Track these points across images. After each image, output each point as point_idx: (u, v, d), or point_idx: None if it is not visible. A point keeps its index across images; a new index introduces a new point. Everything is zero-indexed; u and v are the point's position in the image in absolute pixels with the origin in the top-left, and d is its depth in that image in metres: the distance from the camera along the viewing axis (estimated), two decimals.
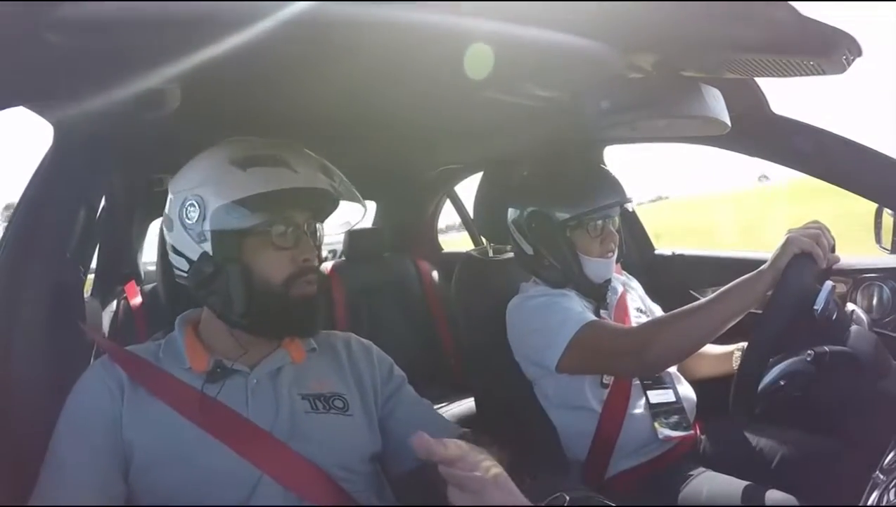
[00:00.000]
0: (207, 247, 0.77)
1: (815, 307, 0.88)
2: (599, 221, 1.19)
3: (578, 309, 1.14)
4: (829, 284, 0.90)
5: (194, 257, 0.78)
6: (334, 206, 0.88)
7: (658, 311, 1.34)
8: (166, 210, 0.82)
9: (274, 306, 0.78)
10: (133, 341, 0.84)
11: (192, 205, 0.77)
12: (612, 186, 1.21)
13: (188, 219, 0.77)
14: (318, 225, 0.86)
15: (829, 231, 0.94)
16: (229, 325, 0.81)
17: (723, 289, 0.97)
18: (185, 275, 0.81)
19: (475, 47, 0.65)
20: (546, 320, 1.12)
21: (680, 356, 1.11)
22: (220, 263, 0.77)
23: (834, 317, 0.90)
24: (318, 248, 0.86)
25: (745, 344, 1.08)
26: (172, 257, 0.82)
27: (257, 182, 0.76)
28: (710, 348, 1.23)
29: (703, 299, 1.01)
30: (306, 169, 0.81)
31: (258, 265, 0.78)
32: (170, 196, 0.82)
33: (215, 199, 0.76)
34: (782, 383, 0.89)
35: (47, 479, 0.70)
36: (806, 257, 0.91)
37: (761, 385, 0.90)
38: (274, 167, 0.78)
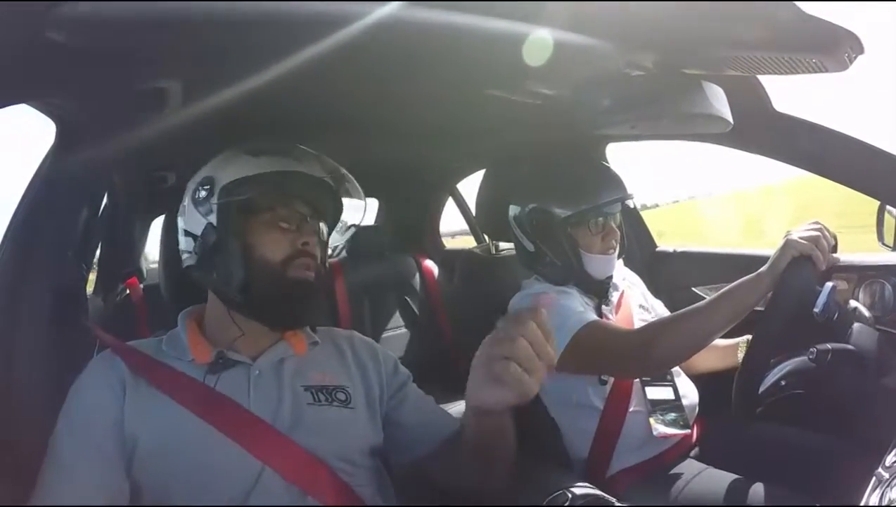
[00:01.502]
0: (213, 218, 0.81)
1: (816, 310, 0.88)
2: (601, 218, 1.19)
3: (579, 308, 1.13)
4: (829, 285, 0.89)
5: (199, 232, 0.82)
6: (336, 205, 0.91)
7: (660, 307, 1.34)
8: (183, 201, 0.87)
9: (271, 286, 0.80)
10: (135, 338, 0.84)
11: (203, 184, 0.83)
12: (613, 182, 1.21)
13: (198, 195, 0.83)
14: (321, 224, 0.88)
15: (828, 231, 0.93)
16: (228, 305, 0.82)
17: (723, 291, 0.97)
18: (192, 256, 0.83)
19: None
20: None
21: (681, 358, 1.11)
22: (223, 235, 0.80)
23: (835, 318, 0.90)
24: (323, 246, 0.88)
25: (749, 337, 1.08)
26: (183, 242, 0.86)
27: (263, 164, 0.83)
28: (715, 341, 1.23)
29: (703, 301, 1.00)
30: (308, 162, 0.87)
31: (259, 243, 0.81)
32: (188, 186, 0.87)
33: (224, 177, 0.82)
34: (783, 382, 0.89)
35: (48, 478, 0.69)
36: (805, 260, 0.90)
37: (763, 387, 0.90)
38: (280, 156, 0.85)
